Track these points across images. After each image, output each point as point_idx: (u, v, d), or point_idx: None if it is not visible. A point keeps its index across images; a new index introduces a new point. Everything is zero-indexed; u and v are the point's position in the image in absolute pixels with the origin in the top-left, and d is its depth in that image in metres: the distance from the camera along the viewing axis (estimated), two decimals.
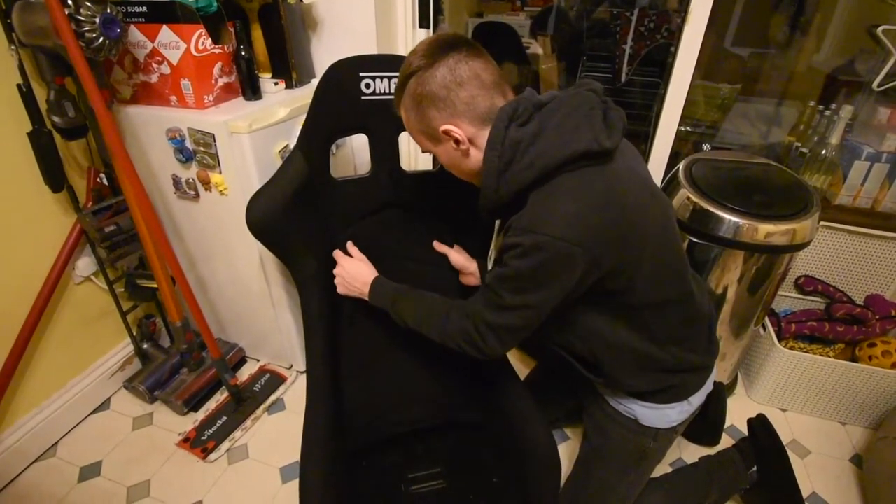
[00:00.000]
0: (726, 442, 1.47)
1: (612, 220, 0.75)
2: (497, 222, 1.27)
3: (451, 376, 1.32)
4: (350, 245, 1.19)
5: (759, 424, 1.30)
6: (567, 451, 1.44)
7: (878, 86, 1.51)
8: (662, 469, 1.35)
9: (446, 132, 0.81)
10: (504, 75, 0.84)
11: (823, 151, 1.55)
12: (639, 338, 0.88)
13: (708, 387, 0.99)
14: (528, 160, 0.76)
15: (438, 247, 1.23)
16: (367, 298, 1.09)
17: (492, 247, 1.31)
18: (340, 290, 1.15)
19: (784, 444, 1.28)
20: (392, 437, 1.25)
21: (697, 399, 0.98)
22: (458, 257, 1.22)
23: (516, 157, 0.77)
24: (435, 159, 0.96)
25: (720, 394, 1.41)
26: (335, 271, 1.15)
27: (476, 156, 0.83)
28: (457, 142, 0.82)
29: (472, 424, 1.28)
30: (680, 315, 0.90)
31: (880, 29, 1.48)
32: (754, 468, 1.26)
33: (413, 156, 1.66)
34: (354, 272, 1.12)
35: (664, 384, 0.94)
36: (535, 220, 0.75)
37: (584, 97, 0.79)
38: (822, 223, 1.55)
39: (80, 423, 1.52)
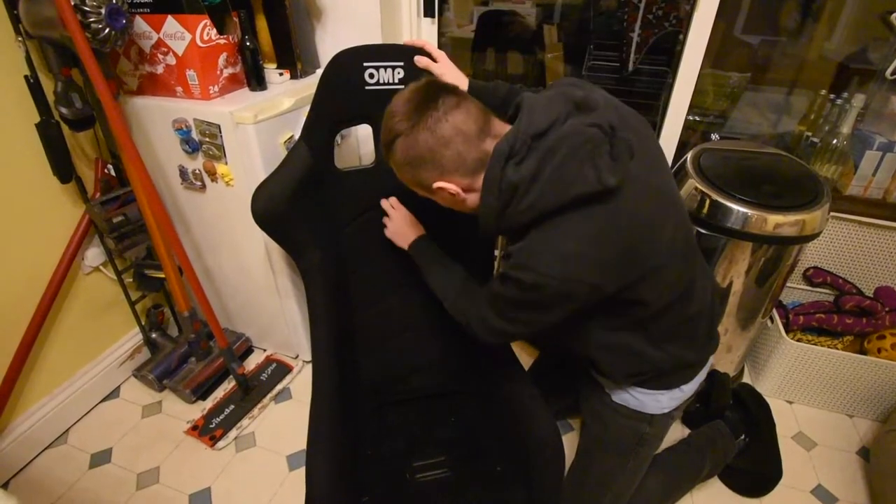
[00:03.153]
0: None
1: (613, 251, 0.75)
2: None
3: (457, 365, 1.33)
4: (394, 200, 1.20)
5: (746, 392, 1.32)
6: (570, 443, 1.45)
7: (892, 74, 1.48)
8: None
9: (440, 188, 0.81)
10: (488, 111, 0.81)
11: (834, 141, 1.52)
12: (635, 340, 0.89)
13: (701, 376, 1.00)
14: (526, 204, 0.75)
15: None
16: (406, 249, 1.15)
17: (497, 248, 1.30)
18: (388, 234, 1.20)
19: (790, 436, 1.29)
20: (401, 400, 1.31)
21: (690, 387, 0.98)
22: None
23: (514, 200, 0.76)
24: None
25: (723, 383, 1.41)
26: (385, 220, 1.20)
27: (474, 198, 0.83)
28: (452, 193, 0.82)
29: (475, 397, 1.31)
30: (679, 315, 0.89)
31: (894, 16, 1.45)
32: (742, 436, 1.31)
33: None
34: (402, 227, 1.16)
35: (656, 374, 0.94)
36: (534, 258, 0.75)
37: (588, 135, 0.73)
38: (831, 214, 1.53)
39: (90, 410, 1.54)
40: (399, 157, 0.81)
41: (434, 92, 0.78)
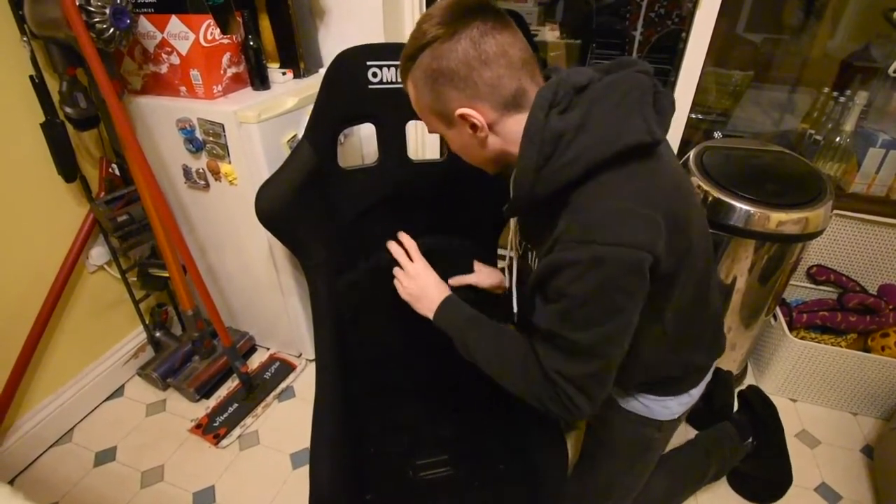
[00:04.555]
0: None
1: (662, 213, 0.65)
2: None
3: (460, 364, 1.33)
4: (414, 248, 1.06)
5: (753, 394, 1.31)
6: (573, 442, 1.44)
7: (895, 71, 1.48)
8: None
9: (463, 116, 0.70)
10: (532, 51, 0.72)
11: (837, 139, 1.52)
12: (648, 344, 0.80)
13: (707, 378, 0.99)
14: (572, 155, 0.65)
15: (456, 282, 1.11)
16: (429, 317, 0.95)
17: (511, 236, 1.19)
18: (403, 295, 1.01)
19: (794, 434, 1.28)
20: (403, 388, 1.29)
21: (698, 391, 0.97)
22: (486, 279, 1.12)
23: (557, 150, 0.65)
24: (442, 148, 0.93)
25: (727, 382, 1.41)
26: (398, 273, 1.02)
27: (494, 144, 0.73)
28: (473, 127, 0.71)
29: (478, 396, 1.29)
30: (695, 317, 0.86)
31: None
32: (749, 439, 1.28)
33: (421, 145, 1.66)
34: (425, 284, 0.98)
35: (666, 380, 0.93)
36: (589, 227, 0.64)
37: (636, 80, 0.68)
38: (835, 211, 1.53)
39: (94, 409, 1.55)
40: (424, 68, 0.69)
41: (483, 5, 0.68)
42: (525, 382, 0.78)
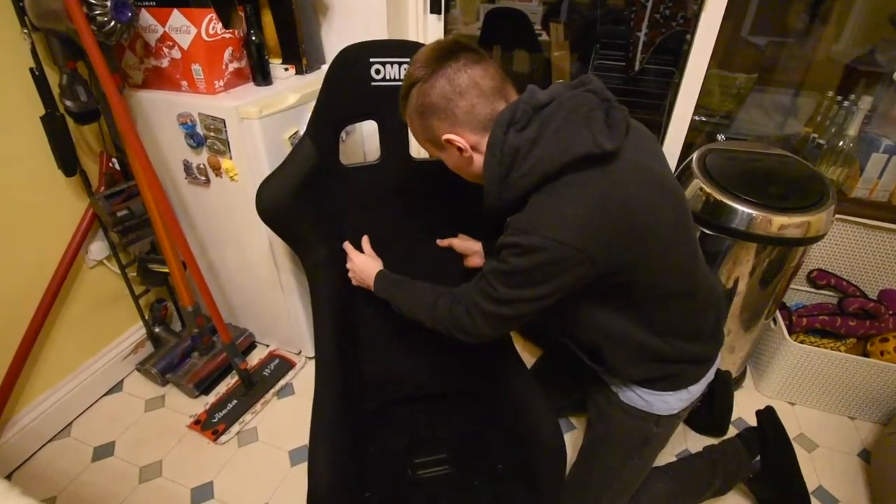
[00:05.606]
0: (733, 434, 1.46)
1: (613, 221, 0.75)
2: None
3: (460, 364, 1.33)
4: (365, 240, 1.21)
5: (767, 415, 1.30)
6: (572, 441, 1.45)
7: None
8: (667, 459, 1.36)
9: (448, 141, 0.83)
10: (507, 77, 0.83)
11: (841, 143, 1.52)
12: (639, 329, 0.88)
13: (709, 377, 1.00)
14: (527, 166, 0.77)
15: (441, 243, 1.24)
16: (373, 290, 1.13)
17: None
18: (355, 282, 1.19)
19: (791, 437, 1.28)
20: (403, 398, 1.31)
21: (697, 388, 0.98)
22: (461, 244, 1.23)
23: (516, 163, 0.78)
24: None
25: (727, 385, 1.41)
26: (348, 265, 1.19)
27: (480, 161, 0.84)
28: (459, 149, 0.84)
29: (478, 396, 1.30)
30: (684, 308, 0.90)
31: None
32: (758, 458, 1.27)
33: None
34: (364, 267, 1.16)
35: (663, 373, 0.94)
36: (533, 222, 0.75)
37: (583, 98, 0.78)
38: (837, 216, 1.53)
39: (93, 404, 1.55)
40: (414, 104, 0.83)
41: (457, 46, 0.81)
42: (435, 319, 0.96)
